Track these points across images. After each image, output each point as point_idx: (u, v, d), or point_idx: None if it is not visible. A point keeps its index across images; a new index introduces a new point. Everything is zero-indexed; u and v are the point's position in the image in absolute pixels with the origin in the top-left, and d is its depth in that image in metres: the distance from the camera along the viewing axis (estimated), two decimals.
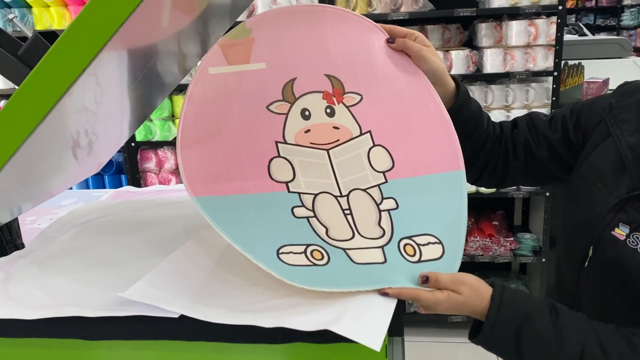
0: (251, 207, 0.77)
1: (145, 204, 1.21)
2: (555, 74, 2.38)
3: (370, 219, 0.79)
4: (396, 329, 0.73)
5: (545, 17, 2.41)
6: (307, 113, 0.84)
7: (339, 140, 0.83)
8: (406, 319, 2.61)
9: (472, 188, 2.35)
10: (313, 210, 0.78)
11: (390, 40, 0.88)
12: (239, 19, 1.44)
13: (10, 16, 0.94)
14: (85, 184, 2.81)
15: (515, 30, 2.39)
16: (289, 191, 0.79)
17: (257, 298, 0.73)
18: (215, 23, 0.99)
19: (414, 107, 0.86)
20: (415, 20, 2.46)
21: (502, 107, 2.50)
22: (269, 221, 0.76)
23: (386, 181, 0.82)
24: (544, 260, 2.61)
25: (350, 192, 0.81)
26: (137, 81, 0.85)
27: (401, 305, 0.73)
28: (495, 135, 0.98)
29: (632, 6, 7.26)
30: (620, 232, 0.79)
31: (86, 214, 1.15)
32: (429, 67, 0.88)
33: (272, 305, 0.70)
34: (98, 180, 2.83)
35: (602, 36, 5.68)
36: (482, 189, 2.45)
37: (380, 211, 0.80)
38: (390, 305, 0.69)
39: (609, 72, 2.72)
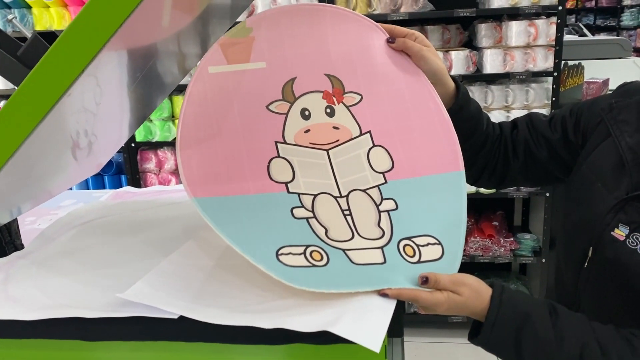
0: (250, 208, 0.77)
1: (144, 205, 1.21)
2: (555, 74, 2.38)
3: (370, 219, 0.79)
4: (396, 330, 0.72)
5: (545, 17, 2.41)
6: (307, 113, 0.84)
7: (338, 140, 0.83)
8: (406, 319, 2.61)
9: (472, 188, 2.35)
10: (312, 211, 0.78)
11: (391, 40, 0.88)
12: (238, 20, 1.44)
13: (10, 17, 0.94)
14: (85, 185, 2.81)
15: (515, 30, 2.39)
16: (288, 192, 0.79)
17: (256, 299, 0.73)
18: (215, 23, 0.99)
19: (414, 107, 0.86)
20: (415, 21, 2.46)
21: (502, 107, 2.50)
22: (268, 222, 0.76)
23: (386, 182, 0.82)
24: (544, 260, 2.61)
25: (349, 192, 0.81)
26: (136, 81, 0.85)
27: (401, 306, 0.73)
28: (495, 135, 0.98)
29: (632, 6, 7.27)
30: (620, 232, 0.79)
31: (86, 214, 1.15)
32: (429, 67, 0.88)
33: (271, 306, 0.70)
34: (98, 181, 2.83)
35: (602, 36, 5.68)
36: (482, 190, 2.45)
37: (379, 212, 0.80)
38: (389, 306, 0.69)
39: (609, 72, 2.72)
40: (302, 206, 0.78)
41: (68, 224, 1.10)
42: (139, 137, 2.67)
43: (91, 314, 0.69)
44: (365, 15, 0.91)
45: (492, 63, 2.42)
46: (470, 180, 1.01)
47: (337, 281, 0.71)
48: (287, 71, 0.85)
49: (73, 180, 1.15)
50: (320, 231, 0.77)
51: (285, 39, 0.86)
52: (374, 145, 0.84)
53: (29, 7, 2.65)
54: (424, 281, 0.74)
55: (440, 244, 0.78)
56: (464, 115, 0.92)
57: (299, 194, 0.79)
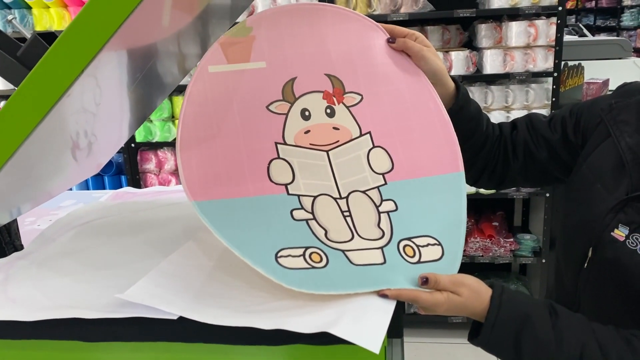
0: (250, 211, 0.77)
1: (144, 205, 1.21)
2: (555, 74, 2.38)
3: (370, 220, 0.79)
4: (395, 331, 0.72)
5: (545, 17, 2.41)
6: (307, 113, 0.84)
7: (338, 141, 0.83)
8: (406, 319, 2.61)
9: (472, 189, 2.35)
10: (312, 213, 0.78)
11: (391, 40, 0.88)
12: (238, 20, 1.44)
13: (10, 17, 0.94)
14: (85, 185, 2.81)
15: (515, 31, 2.39)
16: (288, 193, 0.79)
17: (256, 300, 0.73)
18: (215, 24, 0.99)
19: (414, 107, 0.86)
20: (415, 21, 2.46)
21: (501, 108, 2.50)
22: (267, 225, 0.76)
23: (385, 183, 0.82)
24: (544, 261, 2.61)
25: (349, 194, 0.80)
26: (136, 82, 0.85)
27: (400, 307, 0.73)
28: (495, 136, 0.98)
29: (632, 7, 7.26)
30: (620, 233, 0.79)
31: (85, 215, 1.15)
32: (429, 67, 0.88)
33: (271, 307, 0.70)
34: (98, 181, 2.83)
35: (602, 37, 5.68)
36: (482, 190, 2.45)
37: (379, 213, 0.80)
38: (389, 307, 0.69)
39: (609, 72, 2.72)
40: (302, 208, 0.78)
41: (68, 225, 1.10)
42: (139, 138, 2.67)
43: (91, 314, 0.69)
44: (365, 15, 0.91)
45: (492, 63, 2.42)
46: (470, 180, 1.01)
47: (336, 283, 0.71)
48: (288, 71, 0.85)
49: (73, 181, 1.15)
50: (320, 233, 0.77)
51: (285, 39, 0.86)
52: (374, 146, 0.83)
53: (29, 7, 2.65)
54: (424, 282, 0.73)
55: (440, 244, 0.78)
56: (464, 115, 0.92)
57: (298, 195, 0.79)
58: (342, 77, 0.86)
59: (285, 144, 0.82)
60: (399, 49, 0.88)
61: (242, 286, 0.76)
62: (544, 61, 2.41)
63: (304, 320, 0.65)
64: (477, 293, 0.76)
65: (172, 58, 0.97)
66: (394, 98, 0.86)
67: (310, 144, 0.82)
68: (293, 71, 0.85)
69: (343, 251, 0.76)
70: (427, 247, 0.78)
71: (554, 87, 2.40)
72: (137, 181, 2.73)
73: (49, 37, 0.72)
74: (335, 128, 0.84)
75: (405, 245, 0.77)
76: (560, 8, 2.30)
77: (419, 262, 0.76)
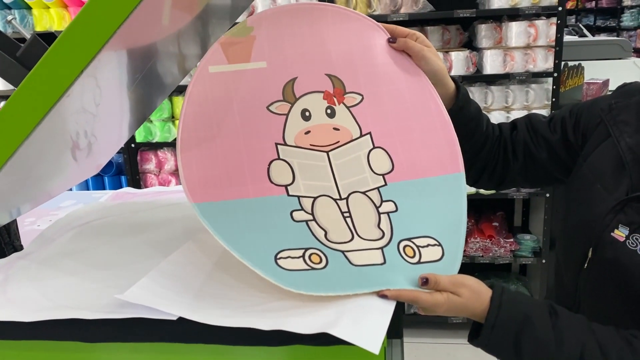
0: (250, 213, 0.77)
1: (144, 206, 1.21)
2: (555, 75, 2.38)
3: (370, 221, 0.79)
4: (395, 331, 0.72)
5: (545, 18, 2.41)
6: (307, 114, 0.84)
7: (339, 141, 0.83)
8: (406, 320, 2.60)
9: (472, 189, 2.35)
10: (312, 214, 0.78)
11: (392, 40, 0.88)
12: (238, 20, 1.44)
13: (9, 18, 0.94)
14: (85, 185, 2.81)
15: (515, 31, 2.39)
16: (288, 194, 0.79)
17: (255, 300, 0.73)
18: (215, 24, 0.99)
19: (415, 107, 0.86)
20: (415, 22, 2.46)
21: (502, 108, 2.50)
22: (267, 226, 0.76)
23: (385, 184, 0.81)
24: (544, 261, 2.61)
25: (349, 195, 0.80)
26: (136, 82, 0.85)
27: (400, 307, 0.73)
28: (495, 136, 0.98)
29: (632, 7, 7.26)
30: (620, 233, 0.79)
31: (85, 215, 1.15)
32: (429, 67, 0.88)
33: (270, 308, 0.70)
34: (98, 181, 2.83)
35: (602, 37, 5.68)
36: (482, 190, 2.45)
37: (379, 214, 0.79)
38: (389, 308, 0.69)
39: (609, 73, 2.72)
40: (302, 209, 0.78)
41: (67, 225, 1.10)
42: (139, 138, 2.67)
43: (90, 315, 0.69)
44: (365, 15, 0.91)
45: (492, 64, 2.42)
46: (470, 181, 1.01)
47: (336, 283, 0.71)
48: (288, 71, 0.85)
49: (73, 181, 1.15)
50: (320, 234, 0.77)
51: (286, 39, 0.85)
52: (374, 147, 0.83)
53: (29, 8, 2.65)
54: (424, 282, 0.73)
55: (440, 245, 0.78)
56: (464, 116, 0.92)
57: (298, 196, 0.79)
58: (343, 77, 0.86)
59: (285, 144, 0.82)
60: (400, 49, 0.88)
61: (242, 287, 0.76)
62: (544, 61, 2.41)
63: (303, 321, 0.65)
64: (477, 294, 0.76)
65: (172, 58, 0.97)
66: (394, 98, 0.86)
67: (310, 145, 0.82)
68: (293, 71, 0.85)
69: (343, 252, 0.75)
70: (427, 248, 0.78)
71: (554, 87, 2.40)
72: (137, 181, 2.73)
73: (48, 37, 0.72)
74: (335, 129, 0.84)
75: (405, 246, 0.77)
76: (560, 8, 2.30)
77: (419, 262, 0.76)
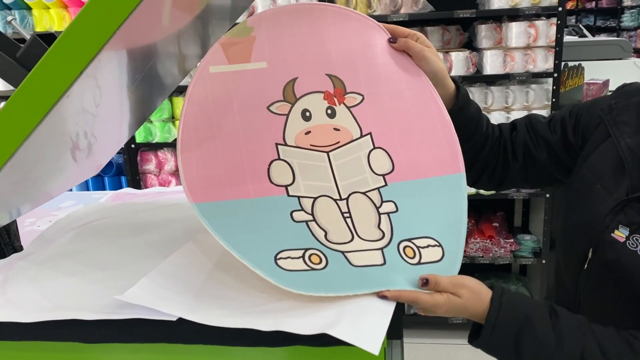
0: (250, 213, 0.76)
1: (144, 206, 1.21)
2: (555, 75, 2.38)
3: (370, 221, 0.79)
4: (395, 332, 0.72)
5: (545, 18, 2.41)
6: (307, 114, 0.84)
7: (339, 142, 0.83)
8: (406, 320, 2.60)
9: (472, 189, 2.34)
10: (312, 214, 0.78)
11: (392, 40, 0.88)
12: (238, 21, 1.44)
13: (9, 18, 0.94)
14: (85, 186, 2.81)
15: (515, 31, 2.38)
16: (288, 195, 0.79)
17: (255, 301, 0.73)
18: (215, 24, 0.99)
19: (415, 107, 0.86)
20: (415, 22, 2.46)
21: (502, 108, 2.50)
22: (267, 226, 0.76)
23: (386, 184, 0.81)
24: (544, 261, 2.61)
25: (349, 195, 0.80)
26: (136, 82, 0.85)
27: (400, 308, 0.73)
28: (495, 137, 0.98)
29: (632, 7, 7.26)
30: (620, 234, 0.79)
31: (85, 216, 1.15)
32: (430, 68, 0.88)
33: (270, 308, 0.70)
34: (98, 182, 2.83)
35: (602, 37, 5.68)
36: (482, 191, 2.45)
37: (379, 214, 0.79)
38: (388, 309, 0.69)
39: (609, 73, 2.72)
40: (302, 209, 0.78)
41: (67, 226, 1.10)
42: (139, 138, 2.67)
43: (90, 315, 0.69)
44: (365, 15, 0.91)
45: (492, 64, 2.42)
46: (470, 181, 1.01)
47: (336, 284, 0.71)
48: (288, 71, 0.85)
49: (73, 182, 1.15)
50: (320, 234, 0.77)
51: (286, 39, 0.85)
52: (374, 147, 0.83)
53: (29, 8, 2.65)
54: (424, 283, 0.73)
55: (440, 245, 0.78)
56: (464, 116, 0.92)
57: (298, 197, 0.79)
58: (343, 77, 0.86)
59: (285, 144, 0.82)
60: (400, 49, 0.88)
61: (242, 287, 0.76)
62: (544, 62, 2.41)
63: (303, 322, 0.65)
64: (477, 294, 0.76)
65: (172, 59, 0.97)
66: (395, 98, 0.86)
67: (310, 145, 0.82)
68: (294, 71, 0.85)
69: (343, 252, 0.75)
70: (428, 248, 0.78)
71: (554, 87, 2.40)
72: (137, 182, 2.73)
73: (48, 38, 0.72)
74: (335, 129, 0.84)
75: (405, 247, 0.77)
76: (560, 8, 2.30)
77: (419, 263, 0.76)
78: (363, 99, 0.85)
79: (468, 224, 1.85)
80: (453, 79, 0.93)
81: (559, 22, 2.31)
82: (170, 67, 1.00)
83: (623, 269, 0.78)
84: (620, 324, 0.77)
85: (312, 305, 0.69)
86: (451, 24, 2.54)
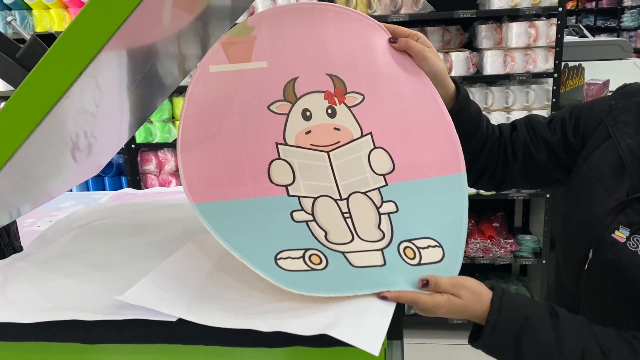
0: (250, 213, 0.76)
1: (144, 207, 1.21)
2: (556, 75, 2.38)
3: (370, 222, 0.79)
4: (395, 333, 0.72)
5: (545, 18, 2.41)
6: (308, 113, 0.84)
7: (339, 142, 0.83)
8: (406, 320, 2.60)
9: (472, 190, 2.35)
10: (312, 214, 0.78)
11: (393, 40, 0.88)
12: (238, 21, 1.44)
13: (9, 19, 0.94)
14: (85, 186, 2.81)
15: (515, 31, 2.38)
16: (288, 195, 0.79)
17: (255, 302, 0.72)
18: (215, 25, 0.99)
19: (415, 107, 0.86)
20: (415, 22, 2.46)
21: (502, 108, 2.50)
22: (267, 226, 0.76)
23: (386, 184, 0.81)
24: (544, 261, 2.61)
25: (350, 195, 0.80)
26: (136, 83, 0.85)
27: (400, 309, 0.73)
28: (495, 137, 0.98)
29: (632, 7, 7.26)
30: (620, 234, 0.79)
31: (85, 216, 1.15)
32: (430, 68, 0.88)
33: (270, 309, 0.70)
34: (98, 182, 2.83)
35: (603, 37, 5.68)
36: (482, 191, 2.45)
37: (380, 214, 0.79)
38: (389, 309, 0.69)
39: (610, 73, 2.72)
40: (302, 209, 0.78)
41: (67, 226, 1.10)
42: (139, 139, 2.67)
43: (90, 316, 0.69)
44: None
45: (492, 64, 2.42)
46: (470, 182, 1.00)
47: (336, 285, 0.71)
48: (289, 71, 0.84)
49: (73, 182, 1.15)
50: (320, 234, 0.77)
51: (286, 38, 0.85)
52: (374, 147, 0.83)
53: (29, 8, 2.65)
54: (424, 284, 0.73)
55: (440, 246, 0.78)
56: (464, 116, 0.92)
57: (299, 196, 0.79)
58: (344, 77, 0.86)
59: (286, 144, 0.82)
60: (401, 49, 0.88)
61: (242, 288, 0.76)
62: (544, 62, 2.41)
63: (303, 322, 0.65)
64: (477, 295, 0.75)
65: (172, 59, 0.97)
66: (395, 98, 0.86)
67: (311, 145, 0.82)
68: (294, 71, 0.85)
69: (343, 253, 0.75)
70: (428, 249, 0.77)
71: (554, 88, 2.40)
72: (137, 182, 2.73)
73: (48, 38, 0.72)
74: (336, 128, 0.84)
75: (405, 247, 0.77)
76: (560, 9, 2.30)
77: (419, 264, 0.76)
78: (363, 98, 0.85)
79: (468, 224, 1.85)
80: (453, 79, 0.93)
81: (559, 22, 2.31)
82: (170, 68, 1.00)
83: (623, 270, 0.78)
84: (621, 325, 0.77)
85: (312, 306, 0.69)
86: (451, 24, 2.54)
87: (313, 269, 0.72)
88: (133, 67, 0.78)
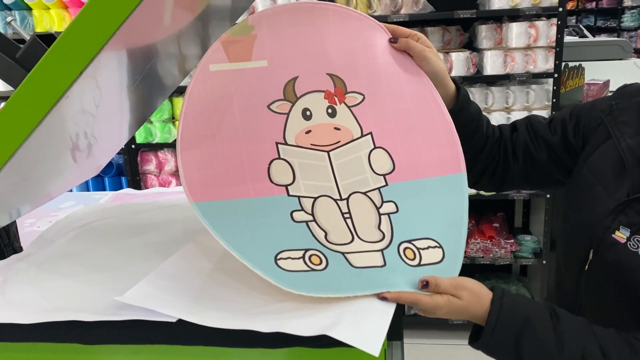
0: (250, 213, 0.76)
1: (144, 207, 1.21)
2: (556, 75, 2.38)
3: (370, 222, 0.78)
4: (395, 333, 0.72)
5: (545, 18, 2.41)
6: (308, 113, 0.83)
7: (339, 141, 0.83)
8: (406, 321, 2.60)
9: (473, 190, 2.35)
10: (312, 214, 0.78)
11: (393, 40, 0.88)
12: (237, 21, 1.44)
13: (9, 19, 0.94)
14: (85, 186, 2.81)
15: (516, 32, 2.38)
16: (288, 195, 0.79)
17: (255, 302, 0.72)
18: (215, 25, 0.99)
19: (415, 108, 0.86)
20: (415, 22, 2.46)
21: (502, 109, 2.50)
22: (267, 227, 0.76)
23: (386, 184, 0.81)
24: (544, 262, 2.60)
25: (350, 195, 0.80)
26: (136, 83, 0.85)
27: (400, 309, 0.72)
28: (495, 138, 0.98)
29: (632, 7, 7.25)
30: (621, 235, 0.79)
31: (85, 217, 1.15)
32: (430, 68, 0.88)
33: (270, 310, 0.70)
34: (98, 182, 2.83)
35: (603, 38, 5.68)
36: (483, 191, 2.44)
37: (380, 215, 0.79)
38: (389, 310, 0.69)
39: (610, 73, 2.72)
40: (302, 209, 0.78)
41: (67, 227, 1.10)
42: (139, 139, 2.66)
43: (90, 317, 0.69)
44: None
45: (492, 64, 2.42)
46: (470, 183, 1.00)
47: (336, 285, 0.71)
48: (289, 70, 0.84)
49: (72, 182, 1.15)
50: (320, 235, 0.76)
51: (287, 37, 0.85)
52: (375, 147, 0.83)
53: (29, 9, 2.65)
54: (424, 285, 0.73)
55: (440, 247, 0.78)
56: (464, 117, 0.92)
57: (299, 196, 0.79)
58: (344, 77, 0.85)
59: (286, 144, 0.82)
60: (401, 49, 0.88)
61: (242, 288, 0.76)
62: (544, 62, 2.41)
63: (303, 323, 0.65)
64: (477, 296, 0.75)
65: (172, 59, 0.97)
66: (395, 98, 0.86)
67: (311, 144, 0.82)
68: (294, 70, 0.84)
69: (343, 253, 0.75)
70: (428, 250, 0.77)
71: (555, 88, 2.40)
72: (137, 182, 2.73)
73: (48, 38, 0.72)
74: (336, 128, 0.84)
75: (405, 248, 0.77)
76: (560, 9, 2.30)
77: (419, 264, 0.76)
78: (364, 98, 0.85)
79: (468, 225, 1.85)
80: (453, 79, 0.93)
81: (559, 22, 2.31)
82: (170, 68, 1.00)
83: (624, 270, 0.78)
84: (621, 325, 0.77)
85: (312, 307, 0.69)
86: (451, 24, 2.54)
87: (313, 270, 0.72)
88: (133, 68, 0.78)
